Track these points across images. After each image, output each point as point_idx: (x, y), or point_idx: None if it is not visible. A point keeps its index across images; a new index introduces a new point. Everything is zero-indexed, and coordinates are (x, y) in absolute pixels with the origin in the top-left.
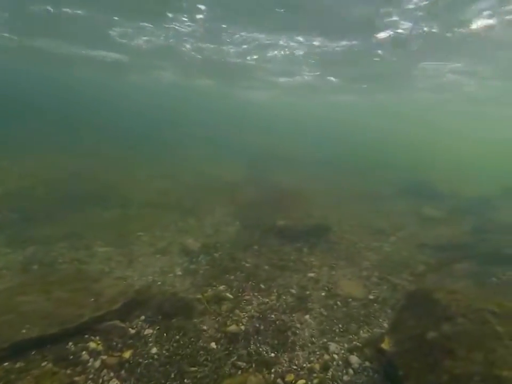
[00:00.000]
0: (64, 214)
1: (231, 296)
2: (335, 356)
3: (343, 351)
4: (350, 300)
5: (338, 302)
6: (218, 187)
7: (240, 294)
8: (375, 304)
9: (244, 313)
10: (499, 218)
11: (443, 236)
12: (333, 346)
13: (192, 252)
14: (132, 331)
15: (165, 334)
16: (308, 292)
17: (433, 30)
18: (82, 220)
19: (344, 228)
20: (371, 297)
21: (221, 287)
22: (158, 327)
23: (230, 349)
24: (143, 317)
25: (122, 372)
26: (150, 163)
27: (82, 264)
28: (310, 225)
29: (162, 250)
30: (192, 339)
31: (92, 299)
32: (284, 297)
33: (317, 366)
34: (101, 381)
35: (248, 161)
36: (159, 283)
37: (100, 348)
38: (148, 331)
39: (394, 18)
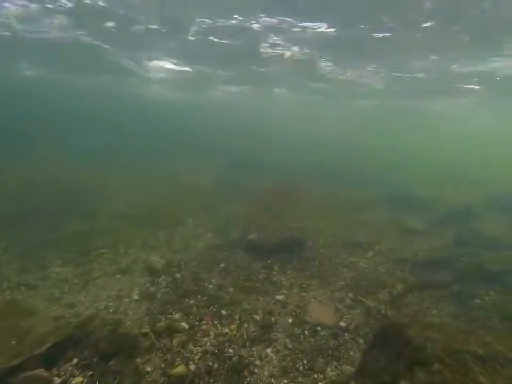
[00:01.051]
0: (23, 229)
1: (186, 327)
2: None
3: None
4: (319, 328)
5: (306, 331)
6: (193, 196)
7: (197, 323)
8: (346, 334)
9: (198, 348)
10: (481, 229)
11: (423, 250)
12: None
13: (155, 272)
14: (57, 381)
15: (97, 383)
16: (273, 319)
17: None
18: (43, 235)
19: (320, 241)
20: (342, 324)
21: (177, 315)
22: (91, 373)
23: None
24: (75, 360)
25: None
26: (124, 171)
27: (30, 289)
28: (284, 239)
29: (124, 269)
30: None
31: (14, 341)
32: (246, 326)
33: None
34: None
35: (224, 167)
36: (111, 310)
37: None
38: (77, 379)
39: None
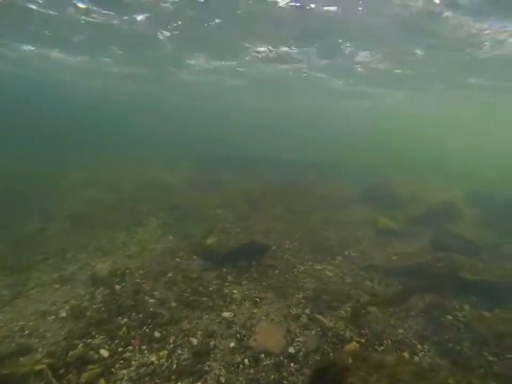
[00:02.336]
0: None
1: (105, 355)
2: None
3: None
4: (263, 355)
5: (247, 359)
6: (160, 194)
7: (121, 350)
8: (292, 364)
9: None
10: (460, 230)
11: (397, 255)
12: None
13: (97, 281)
14: None
15: None
16: (213, 343)
17: None
18: None
19: (285, 245)
20: (291, 350)
21: (99, 339)
22: None
23: None
24: None
25: None
26: (86, 167)
27: None
28: (245, 244)
29: (66, 278)
30: None
31: None
32: (179, 352)
33: None
34: None
35: (195, 162)
36: (25, 333)
37: None
38: None
39: None
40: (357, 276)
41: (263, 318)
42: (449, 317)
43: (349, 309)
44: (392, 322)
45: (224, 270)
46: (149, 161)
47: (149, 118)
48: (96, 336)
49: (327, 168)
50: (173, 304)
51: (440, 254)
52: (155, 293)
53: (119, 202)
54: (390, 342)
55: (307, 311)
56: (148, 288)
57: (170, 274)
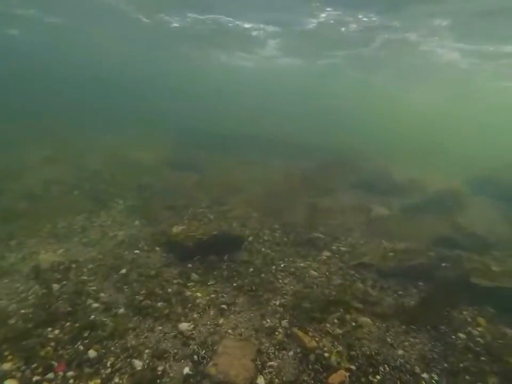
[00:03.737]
0: None
1: None
2: None
3: None
4: None
5: None
6: (131, 173)
7: (38, 378)
8: None
9: None
10: (466, 222)
11: (394, 250)
12: None
13: (38, 276)
14: None
15: None
16: (161, 367)
17: None
18: None
19: (264, 236)
20: (260, 381)
21: (10, 363)
22: None
23: None
24: None
25: None
26: (50, 140)
27: None
28: (216, 234)
29: (4, 271)
30: None
31: None
32: (116, 381)
33: None
34: None
35: (173, 138)
36: None
37: None
38: None
39: None
40: (347, 276)
41: (229, 332)
42: (461, 335)
43: (336, 321)
44: (389, 340)
45: (189, 265)
46: (122, 136)
47: (128, 89)
48: (8, 357)
49: (315, 148)
50: (121, 310)
51: (445, 252)
52: (101, 295)
53: (83, 182)
54: (387, 368)
55: (284, 323)
56: (94, 288)
57: (124, 271)
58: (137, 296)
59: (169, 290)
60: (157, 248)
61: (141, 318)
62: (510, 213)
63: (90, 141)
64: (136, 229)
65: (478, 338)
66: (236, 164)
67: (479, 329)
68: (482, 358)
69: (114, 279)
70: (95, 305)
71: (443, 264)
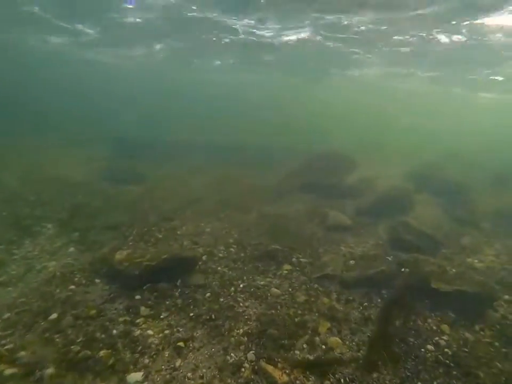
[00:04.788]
0: None
1: None
2: None
3: None
4: None
5: None
6: (59, 190)
7: None
8: None
9: None
10: (416, 222)
11: (354, 258)
12: None
13: None
14: None
15: None
16: None
17: None
18: None
19: (218, 254)
20: None
21: None
22: None
23: None
24: None
25: None
26: None
27: None
28: (165, 258)
29: None
30: None
31: None
32: None
33: None
34: None
35: (108, 148)
36: None
37: None
38: None
39: None
40: (311, 291)
41: (189, 376)
42: (430, 346)
43: (305, 345)
44: (361, 361)
45: (138, 297)
46: (48, 148)
47: (56, 94)
48: None
49: (254, 151)
50: (49, 371)
51: (402, 256)
52: (20, 354)
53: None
54: None
55: (250, 356)
56: (10, 347)
57: (55, 315)
58: (72, 347)
59: (114, 332)
60: (97, 280)
61: (77, 376)
62: (449, 208)
63: (9, 153)
64: (72, 258)
65: (446, 349)
66: (180, 173)
67: (445, 338)
68: (454, 372)
69: (41, 328)
70: (10, 371)
71: (402, 270)
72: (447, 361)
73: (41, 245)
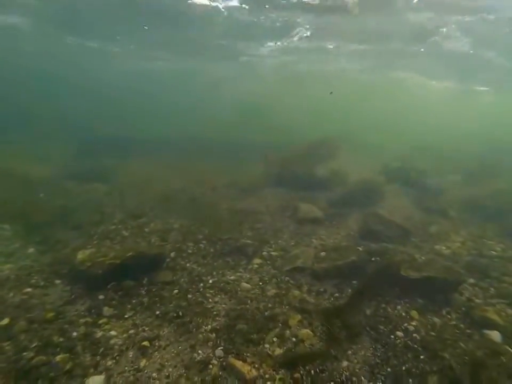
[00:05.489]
0: None
1: None
2: None
3: None
4: None
5: None
6: (17, 191)
7: None
8: None
9: None
10: (386, 213)
11: (325, 250)
12: None
13: None
14: None
15: None
16: None
17: None
18: None
19: (188, 249)
20: None
21: None
22: None
23: None
24: None
25: None
26: None
27: None
28: (131, 256)
29: None
30: None
31: None
32: None
33: None
34: None
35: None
36: None
37: None
38: None
39: None
40: (281, 284)
41: (154, 376)
42: (399, 333)
43: (275, 339)
44: (332, 351)
45: (101, 297)
46: (11, 147)
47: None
48: None
49: (217, 146)
50: None
51: (373, 246)
52: None
53: None
54: None
55: (219, 352)
56: None
57: (6, 321)
58: (24, 353)
59: (74, 334)
60: (57, 281)
61: None
62: (416, 198)
63: None
64: (30, 259)
65: (414, 334)
66: (147, 169)
67: (413, 323)
68: (422, 357)
69: None
70: None
71: (372, 259)
72: (415, 346)
73: None
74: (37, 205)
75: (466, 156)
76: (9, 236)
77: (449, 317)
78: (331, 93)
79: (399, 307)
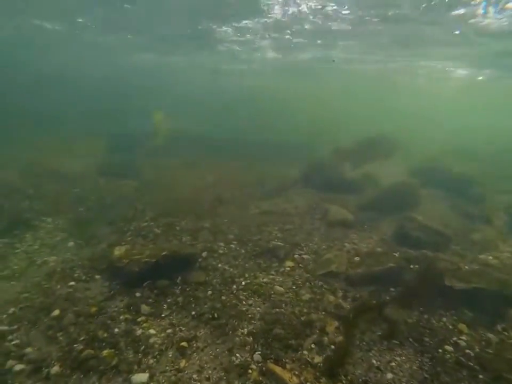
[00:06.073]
0: None
1: None
2: None
3: None
4: None
5: None
6: (56, 186)
7: None
8: None
9: None
10: (423, 218)
11: (358, 254)
12: None
13: None
14: None
15: None
16: None
17: None
18: None
19: (219, 249)
20: None
21: None
22: None
23: None
24: None
25: None
26: None
27: None
28: (165, 255)
29: None
30: None
31: None
32: None
33: None
34: None
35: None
36: None
37: None
38: None
39: None
40: (315, 289)
41: (195, 378)
42: (448, 347)
43: (313, 346)
44: (374, 361)
45: (138, 294)
46: (45, 141)
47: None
48: None
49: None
50: (54, 369)
51: (411, 252)
52: (27, 350)
53: None
54: None
55: (257, 356)
56: (16, 342)
57: (57, 312)
58: (75, 345)
59: (116, 330)
60: (97, 277)
61: (82, 376)
62: (456, 203)
63: (6, 148)
64: (71, 253)
65: (467, 350)
66: (175, 166)
67: (463, 338)
68: (481, 376)
69: (44, 325)
70: (18, 367)
71: (411, 266)
72: (471, 364)
73: (41, 239)
74: (74, 199)
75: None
76: (51, 228)
77: (506, 334)
78: (333, 60)
79: (444, 319)
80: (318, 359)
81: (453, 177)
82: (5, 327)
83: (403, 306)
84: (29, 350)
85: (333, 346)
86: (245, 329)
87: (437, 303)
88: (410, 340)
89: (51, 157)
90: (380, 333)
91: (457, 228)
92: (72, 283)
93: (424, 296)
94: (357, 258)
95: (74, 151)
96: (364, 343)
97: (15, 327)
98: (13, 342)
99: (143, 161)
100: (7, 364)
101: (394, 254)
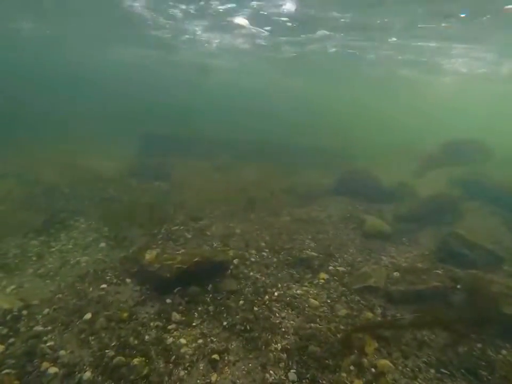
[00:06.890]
0: None
1: None
2: None
3: None
4: None
5: None
6: (90, 186)
7: None
8: None
9: None
10: (468, 233)
11: (398, 269)
12: None
13: None
14: None
15: None
16: None
17: None
18: None
19: (250, 256)
20: None
21: None
22: None
23: None
24: None
25: None
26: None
27: None
28: (197, 261)
29: None
30: None
31: None
32: None
33: None
34: None
35: (139, 145)
36: None
37: None
38: None
39: None
40: (352, 304)
41: None
42: None
43: (352, 367)
44: None
45: (168, 301)
46: (80, 144)
47: (82, 90)
48: None
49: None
50: (87, 374)
51: (456, 271)
52: (60, 353)
53: (37, 198)
54: None
55: (292, 375)
56: (51, 344)
57: (89, 315)
58: (107, 351)
59: (147, 338)
60: (128, 280)
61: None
62: (505, 218)
63: (43, 149)
64: (103, 254)
65: None
66: (205, 169)
67: None
68: None
69: (77, 327)
70: (52, 370)
71: (458, 286)
72: None
73: (74, 238)
74: (106, 201)
75: None
76: (84, 228)
77: None
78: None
79: (504, 351)
80: (357, 383)
81: (504, 190)
82: (40, 328)
83: (451, 331)
84: (62, 352)
85: (373, 370)
86: (279, 344)
87: (491, 331)
88: (463, 371)
89: (86, 158)
90: (425, 359)
91: (509, 247)
92: (104, 285)
93: (477, 322)
94: (396, 274)
95: (107, 153)
96: (408, 368)
97: (49, 328)
98: (48, 344)
99: (174, 164)
100: (42, 365)
101: (437, 271)
